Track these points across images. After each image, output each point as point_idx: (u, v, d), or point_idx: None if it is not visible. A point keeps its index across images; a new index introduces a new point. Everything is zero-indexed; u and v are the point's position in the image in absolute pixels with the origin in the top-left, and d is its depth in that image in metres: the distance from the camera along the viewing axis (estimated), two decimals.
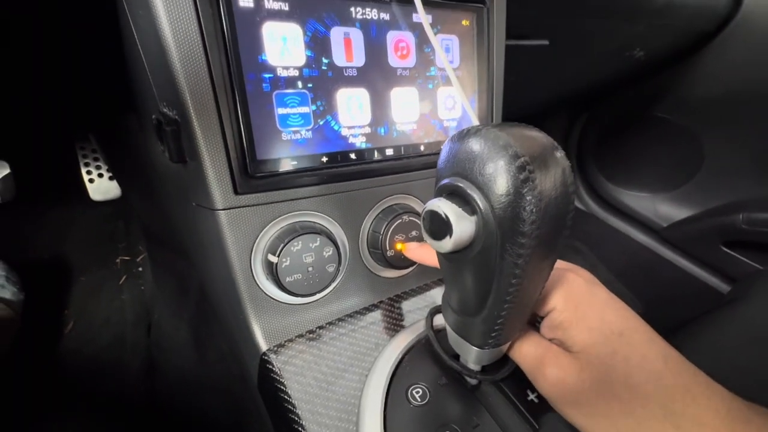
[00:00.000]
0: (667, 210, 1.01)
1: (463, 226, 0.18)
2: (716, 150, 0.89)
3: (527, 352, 0.24)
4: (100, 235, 0.84)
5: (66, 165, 0.75)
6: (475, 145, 0.18)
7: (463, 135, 0.19)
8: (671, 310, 0.93)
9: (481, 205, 0.18)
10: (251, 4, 0.25)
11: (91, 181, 0.79)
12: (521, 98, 0.83)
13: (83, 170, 0.78)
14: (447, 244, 0.19)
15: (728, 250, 0.88)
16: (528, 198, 0.17)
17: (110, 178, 0.80)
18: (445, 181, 0.20)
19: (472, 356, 0.24)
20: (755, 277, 0.76)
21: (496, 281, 0.19)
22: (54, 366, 0.67)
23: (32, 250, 0.76)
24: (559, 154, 0.18)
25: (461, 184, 0.19)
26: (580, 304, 0.23)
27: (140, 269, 0.84)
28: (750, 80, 0.75)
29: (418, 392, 0.25)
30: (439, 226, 0.19)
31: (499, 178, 0.17)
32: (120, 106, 0.40)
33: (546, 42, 0.50)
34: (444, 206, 0.19)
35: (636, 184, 1.07)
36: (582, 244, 1.16)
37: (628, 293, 1.03)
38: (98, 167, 0.79)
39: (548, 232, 0.18)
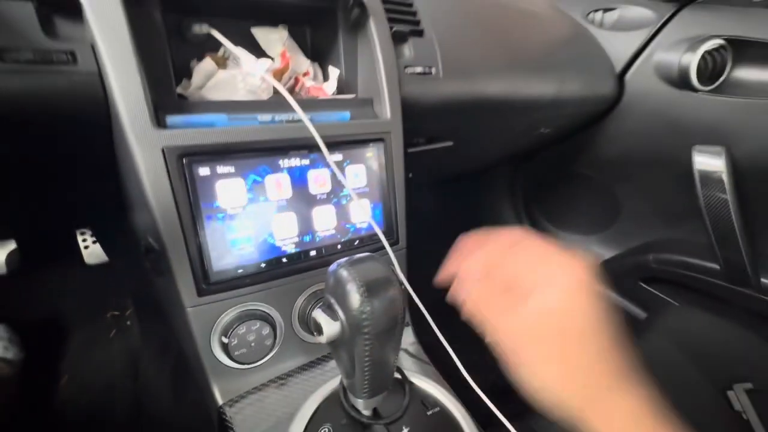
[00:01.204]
0: (598, 249, 1.15)
1: (330, 328, 0.31)
2: (629, 200, 1.04)
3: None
4: (92, 293, 0.94)
5: (63, 235, 0.86)
6: (340, 275, 0.31)
7: (338, 267, 0.31)
8: None
9: (341, 315, 0.30)
10: (208, 172, 0.38)
11: (86, 247, 0.89)
12: (458, 167, 0.98)
13: (79, 238, 0.89)
14: (322, 339, 0.31)
15: (645, 285, 1.02)
16: (366, 312, 0.29)
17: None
18: (326, 295, 0.32)
19: (360, 404, 0.36)
20: (660, 313, 0.90)
21: (357, 358, 0.32)
22: (52, 415, 0.76)
23: (31, 311, 0.86)
24: (392, 283, 0.31)
25: (332, 300, 0.31)
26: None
27: (128, 323, 0.94)
28: (641, 146, 0.91)
29: (325, 429, 0.37)
30: (317, 327, 0.31)
31: (349, 299, 0.30)
32: (116, 209, 0.53)
33: (450, 143, 0.65)
34: (319, 316, 0.31)
35: (571, 226, 1.21)
36: None
37: None
38: (92, 235, 0.90)
39: (382, 332, 0.30)
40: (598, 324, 0.27)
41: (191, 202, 0.37)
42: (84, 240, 0.90)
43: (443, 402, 0.41)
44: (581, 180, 1.11)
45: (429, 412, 0.40)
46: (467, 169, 1.02)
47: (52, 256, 0.87)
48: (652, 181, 0.95)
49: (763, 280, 0.81)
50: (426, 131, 0.62)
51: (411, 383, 0.41)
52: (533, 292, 0.28)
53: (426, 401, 0.41)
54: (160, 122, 0.36)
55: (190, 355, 0.44)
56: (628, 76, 0.86)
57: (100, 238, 0.83)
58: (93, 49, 0.34)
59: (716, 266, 0.86)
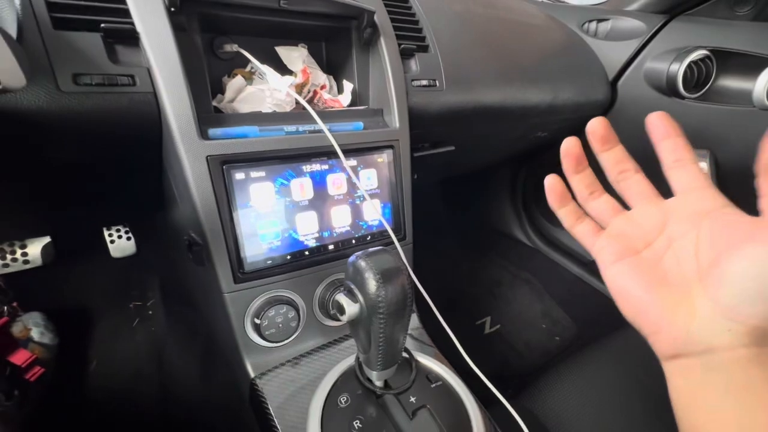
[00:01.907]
0: None
1: (351, 309, 0.37)
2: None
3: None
4: (116, 285, 1.00)
5: (93, 232, 0.93)
6: (359, 265, 0.37)
7: (357, 258, 0.37)
8: (599, 329, 1.11)
9: (360, 298, 0.36)
10: (243, 177, 0.44)
11: (112, 242, 0.96)
12: (460, 168, 1.04)
13: (105, 234, 0.96)
14: (345, 318, 0.37)
15: None
16: (381, 295, 0.35)
17: (127, 239, 0.97)
18: (346, 281, 0.38)
19: (373, 376, 0.42)
20: None
21: (373, 335, 0.38)
22: (83, 398, 0.83)
23: (62, 301, 0.92)
24: (401, 270, 0.37)
25: (352, 286, 0.37)
26: None
27: (150, 312, 1.01)
28: (635, 149, 0.96)
29: (343, 398, 0.43)
30: (340, 308, 0.37)
31: (367, 285, 0.36)
32: (152, 209, 0.59)
33: (452, 148, 0.71)
34: (342, 299, 0.37)
35: None
36: (530, 275, 1.35)
37: (566, 317, 1.21)
38: (117, 230, 0.97)
39: (394, 312, 0.36)
40: None
41: (229, 202, 0.43)
42: (110, 236, 0.97)
43: (445, 377, 0.48)
44: None
45: (433, 385, 0.46)
46: (469, 170, 1.08)
47: (83, 250, 0.94)
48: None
49: None
50: (430, 137, 0.68)
51: (417, 360, 0.47)
52: None
53: (430, 376, 0.47)
54: (203, 134, 0.42)
55: (223, 337, 0.50)
56: (621, 82, 0.91)
57: (135, 234, 0.89)
58: (149, 72, 0.40)
59: None
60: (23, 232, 0.70)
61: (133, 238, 0.96)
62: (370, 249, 0.38)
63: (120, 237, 0.98)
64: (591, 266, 1.21)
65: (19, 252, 0.83)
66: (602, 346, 0.82)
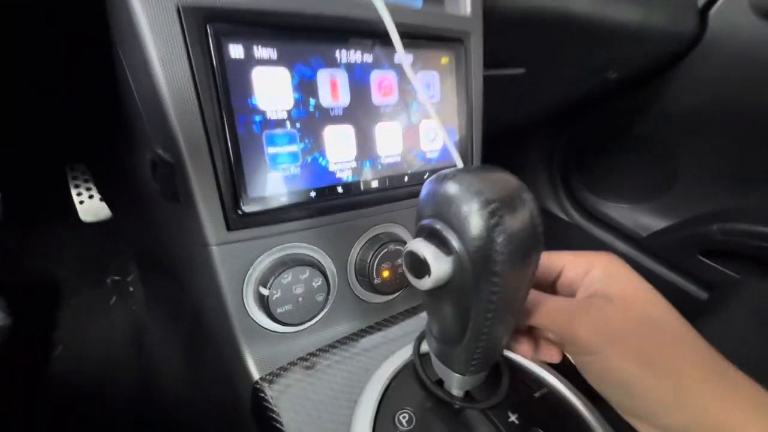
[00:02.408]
0: (647, 220, 1.04)
1: (440, 267, 0.20)
2: (691, 163, 0.92)
3: (556, 307, 0.24)
4: (90, 256, 0.83)
5: (55, 187, 0.76)
6: (451, 189, 0.20)
7: (441, 179, 0.21)
8: None
9: (456, 247, 0.20)
10: (242, 56, 0.26)
11: (81, 202, 0.79)
12: (506, 117, 0.86)
13: (73, 192, 0.78)
14: (426, 283, 0.21)
15: (705, 259, 0.91)
16: (499, 240, 0.19)
17: (101, 200, 0.80)
18: (425, 221, 0.21)
19: (454, 382, 0.26)
20: (732, 288, 0.80)
21: (474, 315, 0.21)
22: (43, 391, 0.67)
23: (21, 272, 0.76)
24: (528, 196, 0.20)
25: (438, 226, 0.20)
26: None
27: (131, 289, 0.84)
28: (718, 96, 0.79)
29: (404, 417, 0.27)
30: (419, 266, 0.21)
31: (473, 222, 0.19)
32: (112, 138, 0.41)
33: (522, 70, 0.53)
34: (423, 248, 0.20)
35: (616, 195, 1.10)
36: None
37: None
38: (88, 189, 0.79)
39: (518, 270, 0.20)
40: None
41: (219, 96, 0.26)
42: (79, 194, 0.79)
43: (550, 382, 0.31)
44: (635, 142, 0.99)
45: (537, 394, 0.30)
46: (518, 118, 0.90)
47: (42, 207, 0.76)
48: (724, 138, 0.84)
49: None
50: (497, 53, 0.50)
51: (507, 358, 0.31)
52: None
53: (528, 380, 0.31)
54: None
55: (213, 315, 0.33)
56: (714, 10, 0.73)
57: (98, 181, 0.72)
58: None
59: None
60: None
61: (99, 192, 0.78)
62: (459, 168, 0.21)
63: (91, 197, 0.80)
64: (643, 243, 1.05)
65: None
66: None
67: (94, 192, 0.80)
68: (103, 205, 0.80)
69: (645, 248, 1.05)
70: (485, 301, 0.20)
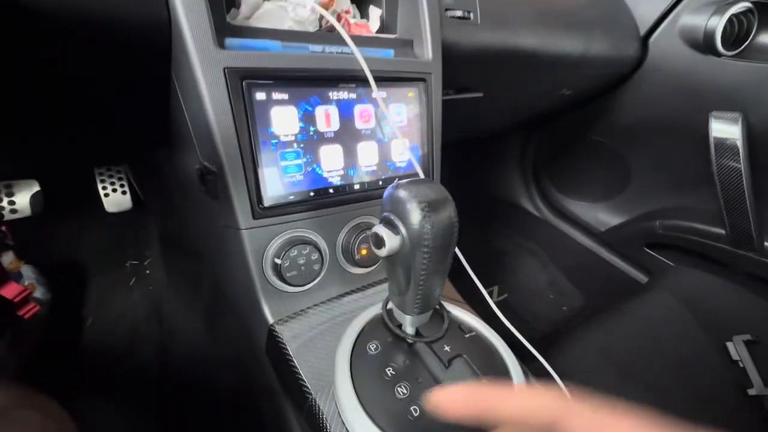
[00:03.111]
0: (605, 217, 1.18)
1: (392, 242, 0.33)
2: (640, 168, 1.06)
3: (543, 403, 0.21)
4: (112, 242, 0.95)
5: (84, 181, 0.87)
6: (401, 194, 0.32)
7: (395, 187, 0.33)
8: (606, 298, 1.10)
9: (402, 230, 0.32)
10: (264, 98, 0.39)
11: (106, 195, 0.90)
12: (480, 126, 0.99)
13: (99, 186, 0.89)
14: (383, 252, 0.33)
15: (649, 251, 1.05)
16: (427, 227, 0.31)
17: (123, 193, 0.91)
18: (384, 214, 0.34)
19: (407, 321, 0.38)
20: (662, 274, 0.94)
21: (413, 273, 0.34)
22: (78, 354, 0.79)
23: (55, 255, 0.87)
24: (448, 201, 0.33)
25: (392, 217, 0.33)
26: None
27: (147, 272, 0.96)
28: (659, 112, 0.92)
29: (373, 345, 0.39)
30: (379, 241, 0.33)
31: (412, 215, 0.31)
32: (157, 147, 0.53)
33: (480, 94, 0.65)
34: (381, 230, 0.33)
35: (579, 194, 1.24)
36: (536, 245, 1.32)
37: (573, 288, 1.19)
38: (112, 183, 0.91)
39: (440, 246, 0.32)
40: None
41: (249, 126, 0.38)
42: (104, 188, 0.91)
43: (479, 328, 0.44)
44: (593, 147, 1.12)
45: (467, 335, 0.43)
46: (487, 128, 1.03)
47: (75, 201, 0.88)
48: (665, 147, 0.97)
49: (767, 243, 0.84)
50: (458, 81, 0.62)
51: (448, 311, 0.44)
52: None
53: (462, 326, 0.44)
54: (220, 44, 0.36)
55: (237, 282, 0.46)
56: (653, 39, 0.86)
57: (134, 178, 0.83)
58: None
59: (722, 231, 0.89)
60: (9, 171, 0.64)
61: (128, 193, 0.90)
62: (409, 179, 0.34)
63: (115, 190, 0.92)
64: (600, 237, 1.19)
65: (6, 200, 0.77)
66: (617, 311, 0.80)
67: (118, 186, 0.91)
68: (126, 197, 0.92)
69: (603, 241, 1.19)
70: (419, 263, 0.33)
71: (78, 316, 0.85)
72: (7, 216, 0.76)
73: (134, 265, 0.96)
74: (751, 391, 0.67)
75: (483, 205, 1.46)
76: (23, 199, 0.77)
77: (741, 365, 0.70)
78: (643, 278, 1.07)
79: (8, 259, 0.65)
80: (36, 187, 0.78)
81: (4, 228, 0.60)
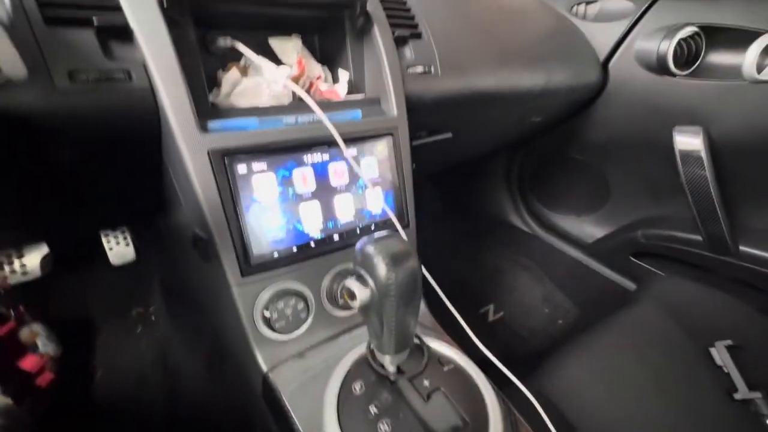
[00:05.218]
0: (591, 229, 1.22)
1: (362, 293, 0.37)
2: (618, 181, 1.11)
3: None
4: (118, 293, 0.99)
5: (90, 239, 0.92)
6: (369, 250, 0.37)
7: (364, 243, 0.37)
8: (599, 308, 1.12)
9: (370, 283, 0.36)
10: (245, 171, 0.43)
11: (110, 249, 0.95)
12: (455, 159, 1.04)
13: (104, 241, 0.94)
14: (356, 303, 0.37)
15: (634, 259, 1.09)
16: (392, 278, 0.35)
17: (125, 245, 0.96)
18: (355, 267, 0.38)
19: (386, 361, 0.42)
20: (649, 281, 0.97)
21: (385, 318, 0.38)
22: (90, 406, 0.82)
23: (63, 311, 0.91)
24: (411, 255, 0.37)
25: (362, 272, 0.37)
26: None
27: (153, 318, 1.00)
28: (626, 130, 0.97)
29: (357, 386, 0.43)
30: (351, 294, 0.37)
31: (378, 269, 0.36)
32: (154, 212, 0.58)
33: (449, 135, 0.71)
34: (352, 284, 0.37)
35: (565, 208, 1.28)
36: (529, 260, 1.36)
37: (567, 300, 1.22)
38: (116, 237, 0.95)
39: (405, 295, 0.36)
40: None
41: (233, 196, 0.43)
42: (108, 242, 0.96)
43: (456, 360, 0.48)
44: (573, 164, 1.17)
45: (445, 368, 0.46)
46: (466, 158, 1.08)
47: (81, 258, 0.93)
48: (638, 162, 1.02)
49: (741, 248, 0.88)
50: (427, 125, 0.68)
51: (427, 345, 0.47)
52: None
53: (441, 359, 0.47)
54: (203, 128, 0.42)
55: (232, 333, 0.50)
56: (612, 64, 0.92)
57: (135, 238, 0.88)
58: (144, 67, 0.39)
59: (699, 238, 0.93)
60: (20, 237, 0.69)
61: (131, 244, 0.95)
62: (377, 234, 0.38)
63: (118, 243, 0.97)
64: (589, 249, 1.23)
65: (17, 263, 0.81)
66: (605, 325, 0.83)
67: (121, 239, 0.96)
68: (129, 249, 0.96)
69: (590, 252, 1.22)
70: (389, 309, 0.37)
71: (88, 369, 0.88)
72: (18, 278, 0.81)
73: (140, 314, 1.00)
74: (737, 396, 0.69)
75: (475, 224, 1.51)
76: (34, 261, 0.82)
77: (725, 370, 0.72)
78: (631, 285, 1.10)
79: (25, 333, 0.70)
80: (45, 250, 0.83)
81: (22, 309, 0.65)
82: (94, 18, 0.37)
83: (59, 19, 0.36)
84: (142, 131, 0.41)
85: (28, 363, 0.46)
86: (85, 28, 0.37)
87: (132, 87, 0.39)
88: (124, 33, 0.39)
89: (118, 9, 0.39)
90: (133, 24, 0.39)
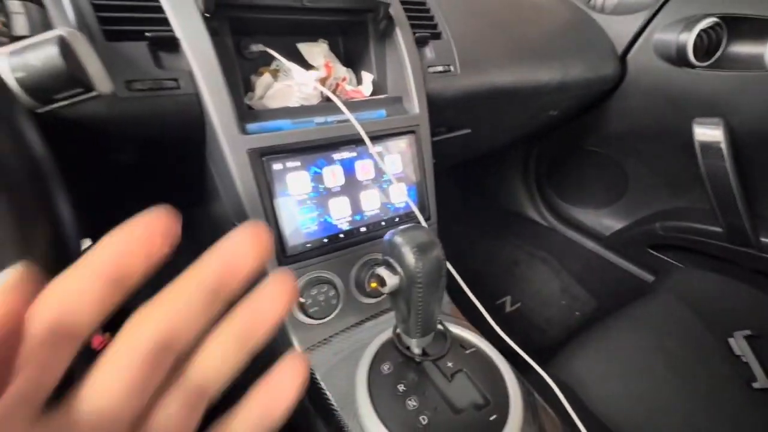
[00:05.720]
0: (608, 222, 1.22)
1: (392, 280, 0.40)
2: (636, 173, 1.11)
3: None
4: (148, 284, 1.05)
5: None
6: (396, 240, 0.40)
7: (392, 234, 0.41)
8: (616, 300, 1.13)
9: (399, 270, 0.40)
10: (281, 168, 0.47)
11: None
12: (474, 152, 1.06)
13: None
14: (386, 289, 0.41)
15: (652, 251, 1.09)
16: (419, 267, 0.38)
17: None
18: (384, 257, 0.42)
19: (413, 344, 0.45)
20: (667, 273, 0.97)
21: (412, 304, 0.41)
22: None
23: None
24: (436, 244, 0.40)
25: (390, 260, 0.41)
26: None
27: None
28: (644, 122, 0.97)
29: (386, 366, 0.46)
30: (381, 281, 0.41)
31: (406, 258, 0.39)
32: (191, 205, 0.63)
33: (468, 130, 0.73)
34: (382, 271, 0.40)
35: (582, 201, 1.28)
36: (547, 254, 1.37)
37: (584, 292, 1.23)
38: None
39: (431, 282, 0.39)
40: None
41: (270, 191, 0.47)
42: None
43: (478, 344, 0.51)
44: (591, 156, 1.18)
45: (467, 351, 0.49)
46: (484, 151, 1.10)
47: None
48: (657, 154, 1.02)
49: (762, 239, 0.88)
50: (447, 122, 0.70)
51: (450, 331, 0.51)
52: None
53: (464, 343, 0.50)
54: (242, 130, 0.45)
55: None
56: (630, 56, 0.92)
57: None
58: (190, 75, 0.43)
59: (719, 230, 0.93)
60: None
61: None
62: (403, 226, 0.41)
63: None
64: (606, 241, 1.23)
65: None
66: (622, 315, 0.84)
67: None
68: None
69: (608, 245, 1.23)
70: (415, 296, 0.40)
71: None
72: None
73: None
74: (756, 385, 0.70)
75: (492, 218, 1.52)
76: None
77: (744, 360, 0.73)
78: (649, 278, 1.11)
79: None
80: (89, 243, 0.89)
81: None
82: (147, 32, 0.41)
83: (117, 33, 0.40)
84: (189, 133, 0.45)
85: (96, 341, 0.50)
86: (139, 41, 0.41)
87: (180, 93, 0.43)
88: (171, 44, 0.43)
89: (166, 22, 0.43)
90: (179, 35, 0.43)
